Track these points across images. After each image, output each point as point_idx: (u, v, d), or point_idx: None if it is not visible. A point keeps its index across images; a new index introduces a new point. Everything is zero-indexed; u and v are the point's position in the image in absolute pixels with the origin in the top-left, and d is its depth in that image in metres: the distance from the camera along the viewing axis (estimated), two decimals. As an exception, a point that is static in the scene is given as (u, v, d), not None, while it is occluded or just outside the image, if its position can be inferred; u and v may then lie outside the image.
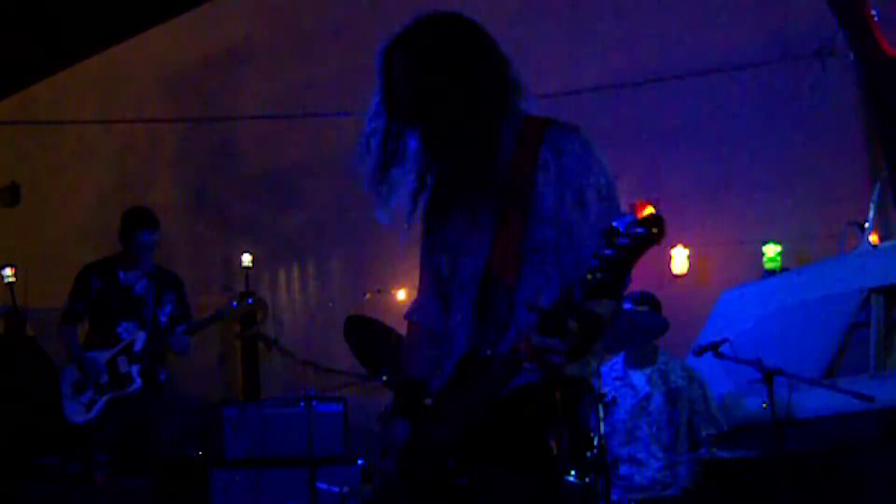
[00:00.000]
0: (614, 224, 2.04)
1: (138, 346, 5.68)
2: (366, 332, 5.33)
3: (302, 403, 5.76)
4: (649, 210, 2.04)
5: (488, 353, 2.42)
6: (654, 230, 2.01)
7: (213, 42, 9.98)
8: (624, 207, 2.29)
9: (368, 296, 7.32)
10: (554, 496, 2.43)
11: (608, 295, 2.13)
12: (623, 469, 5.10)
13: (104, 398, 5.61)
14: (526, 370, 2.33)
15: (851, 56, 6.13)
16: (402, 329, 2.86)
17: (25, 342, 8.97)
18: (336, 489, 5.42)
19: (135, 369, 5.64)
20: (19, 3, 9.27)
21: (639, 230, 2.01)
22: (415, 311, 2.76)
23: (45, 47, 10.14)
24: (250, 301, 6.06)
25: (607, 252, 2.05)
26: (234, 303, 6.01)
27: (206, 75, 9.99)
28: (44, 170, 11.16)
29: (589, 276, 2.09)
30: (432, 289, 2.69)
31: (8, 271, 9.66)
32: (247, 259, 8.82)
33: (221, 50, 9.93)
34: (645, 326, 5.17)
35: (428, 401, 2.56)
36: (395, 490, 2.55)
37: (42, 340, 8.55)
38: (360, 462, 5.95)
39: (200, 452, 6.76)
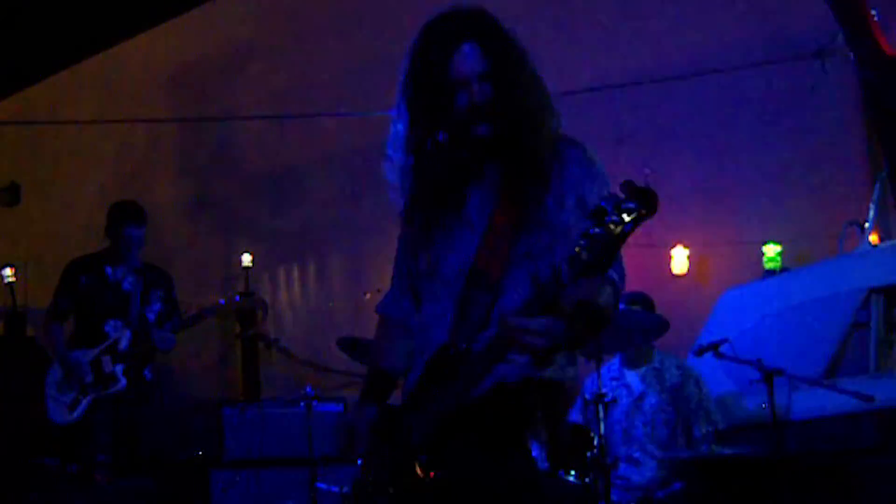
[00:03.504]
0: (601, 204, 2.01)
1: (123, 344, 5.60)
2: (358, 343, 5.37)
3: (302, 403, 5.76)
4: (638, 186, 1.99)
5: (463, 348, 2.42)
6: (646, 205, 1.98)
7: (213, 42, 9.97)
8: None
9: (368, 296, 7.29)
10: (527, 494, 2.42)
11: (597, 273, 2.10)
12: (621, 469, 5.11)
13: (87, 398, 5.53)
14: (499, 368, 2.33)
15: (851, 56, 6.12)
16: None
17: (25, 342, 8.97)
18: (336, 489, 5.42)
19: (119, 368, 5.56)
20: (19, 3, 9.26)
21: (630, 205, 1.98)
22: (387, 304, 2.77)
23: (45, 47, 10.14)
24: (237, 298, 5.99)
25: (596, 231, 2.02)
26: (222, 300, 5.92)
27: (206, 75, 9.98)
28: (44, 170, 11.15)
29: (576, 256, 2.07)
30: (406, 282, 2.71)
31: (8, 271, 9.65)
32: (247, 259, 8.81)
33: (221, 50, 9.92)
34: (644, 326, 5.17)
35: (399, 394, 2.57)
36: (369, 487, 2.56)
37: (42, 340, 8.54)
38: (360, 462, 5.93)
39: (200, 452, 6.76)
